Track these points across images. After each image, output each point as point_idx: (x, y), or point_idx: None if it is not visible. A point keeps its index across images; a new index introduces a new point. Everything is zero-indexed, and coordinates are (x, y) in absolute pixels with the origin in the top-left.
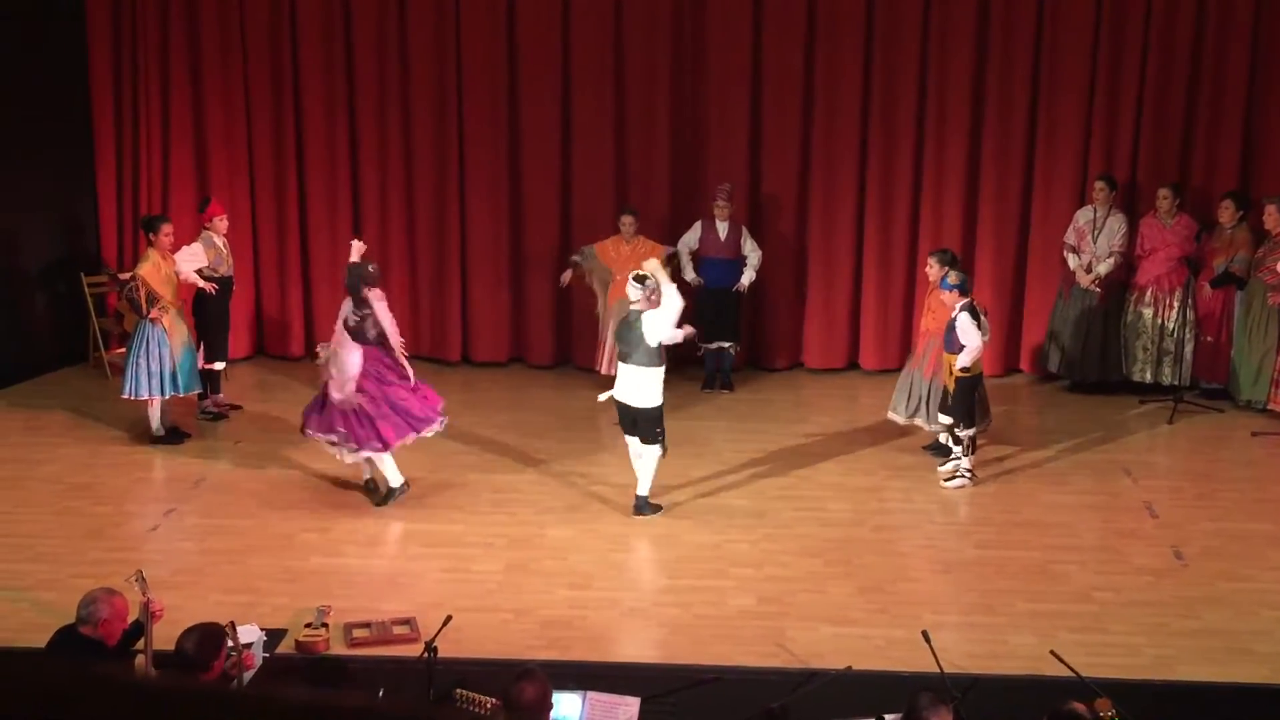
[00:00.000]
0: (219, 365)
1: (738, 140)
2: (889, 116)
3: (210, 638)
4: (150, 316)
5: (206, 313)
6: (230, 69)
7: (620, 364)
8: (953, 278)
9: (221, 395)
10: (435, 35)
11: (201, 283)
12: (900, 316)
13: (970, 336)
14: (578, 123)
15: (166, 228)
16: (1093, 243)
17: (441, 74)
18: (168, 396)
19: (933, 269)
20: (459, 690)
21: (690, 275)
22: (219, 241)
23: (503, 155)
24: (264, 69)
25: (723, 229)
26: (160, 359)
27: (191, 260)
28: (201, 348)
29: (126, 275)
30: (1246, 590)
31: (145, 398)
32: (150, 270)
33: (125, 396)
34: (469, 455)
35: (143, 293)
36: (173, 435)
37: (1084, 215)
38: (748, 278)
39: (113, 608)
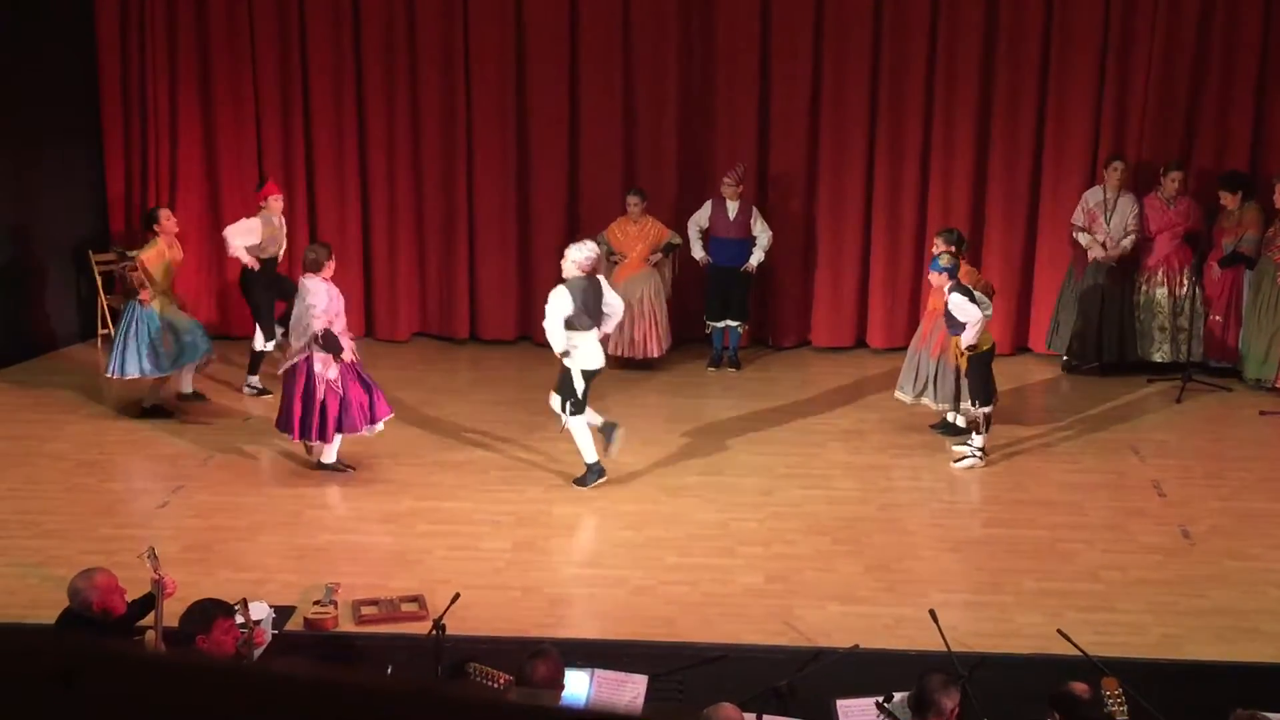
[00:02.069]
0: (266, 345)
1: (746, 119)
2: (897, 96)
3: (198, 614)
4: (140, 299)
5: (253, 292)
6: (237, 49)
7: (593, 332)
8: (944, 260)
9: (257, 377)
10: (443, 15)
11: (246, 258)
12: (908, 295)
13: (967, 312)
14: (585, 101)
15: (164, 213)
16: (1105, 224)
17: (449, 54)
18: (154, 376)
19: (939, 248)
20: (472, 664)
21: (699, 253)
22: (276, 221)
23: (510, 134)
24: (271, 49)
25: (732, 208)
26: (150, 338)
27: (245, 235)
28: (257, 329)
29: (119, 256)
30: (1254, 569)
31: (133, 377)
32: (152, 257)
33: (110, 376)
34: (477, 433)
35: (137, 276)
36: (156, 411)
37: (1094, 196)
38: (756, 258)
39: (96, 589)
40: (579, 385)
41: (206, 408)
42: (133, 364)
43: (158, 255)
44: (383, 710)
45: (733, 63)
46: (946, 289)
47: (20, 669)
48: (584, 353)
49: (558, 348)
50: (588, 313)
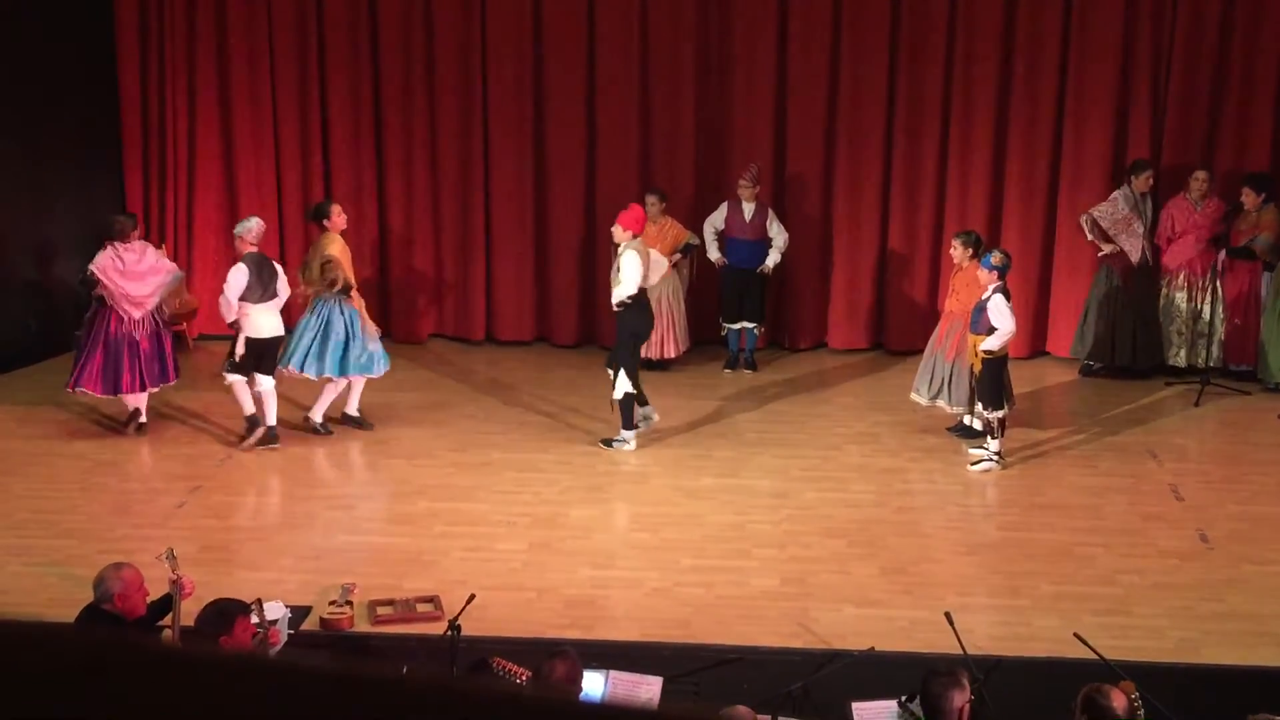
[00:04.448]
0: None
1: (763, 120)
2: (915, 96)
3: (219, 614)
4: (347, 292)
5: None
6: (255, 55)
7: (267, 304)
8: (996, 258)
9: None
10: (460, 17)
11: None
12: (925, 298)
13: (1003, 320)
14: (602, 102)
15: (336, 208)
16: (1142, 226)
17: (466, 56)
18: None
19: (957, 250)
20: (496, 660)
21: (715, 255)
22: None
23: (528, 135)
24: (289, 55)
25: (748, 210)
26: (345, 333)
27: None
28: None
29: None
30: (1272, 574)
31: (305, 375)
32: (339, 252)
33: (308, 375)
34: (493, 434)
35: (331, 271)
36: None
37: (1127, 201)
38: (772, 260)
39: (123, 581)
40: (239, 351)
41: (224, 410)
42: (312, 364)
43: (342, 250)
44: (404, 702)
45: (750, 63)
46: (990, 288)
47: (41, 662)
48: (253, 323)
49: (227, 318)
50: (260, 285)
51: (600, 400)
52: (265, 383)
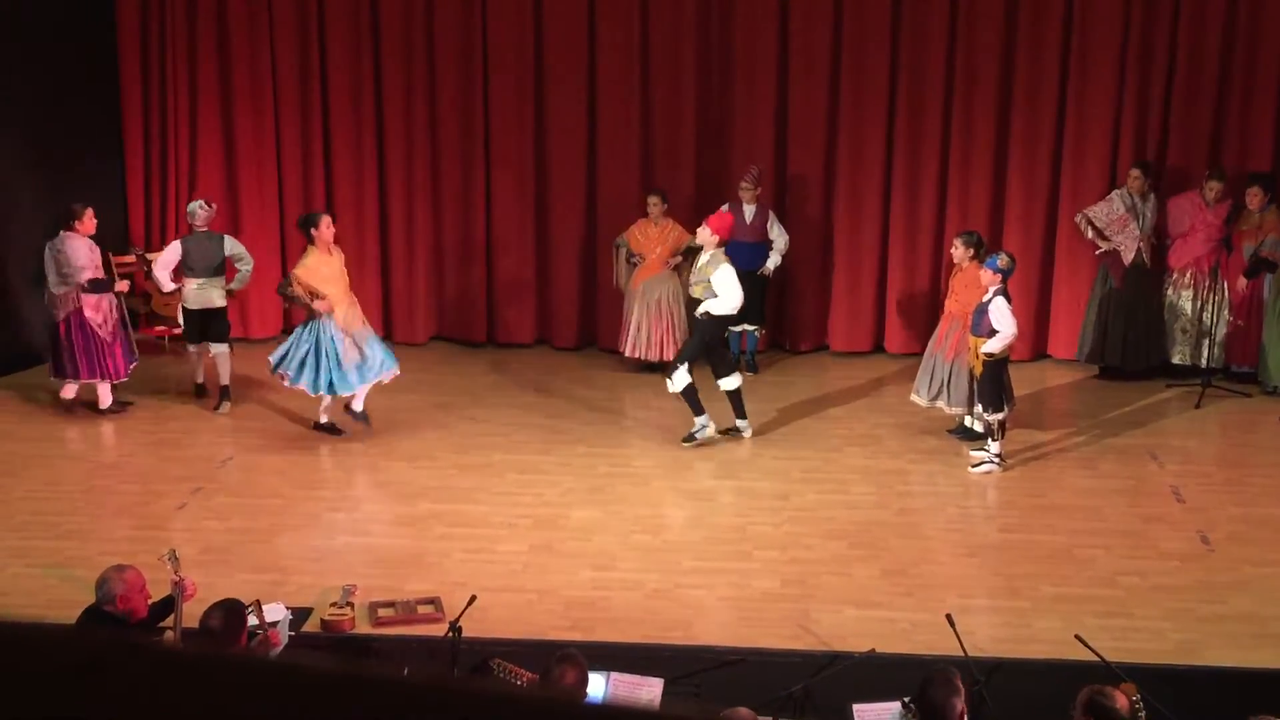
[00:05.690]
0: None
1: (764, 122)
2: (916, 98)
3: (233, 613)
4: (317, 310)
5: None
6: (257, 53)
7: (204, 280)
8: (1002, 260)
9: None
10: (462, 18)
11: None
12: (926, 299)
13: (1004, 323)
14: (603, 103)
15: (325, 220)
16: (1139, 227)
17: (468, 57)
18: (321, 394)
19: (958, 250)
20: (496, 660)
21: None
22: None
23: (529, 136)
24: (290, 53)
25: (749, 211)
26: (329, 355)
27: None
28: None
29: (139, 258)
30: (1273, 575)
31: (299, 388)
32: (309, 269)
33: (277, 372)
34: (494, 436)
35: (299, 291)
36: (330, 428)
37: (1123, 201)
38: (773, 261)
39: (125, 582)
40: (181, 320)
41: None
42: (307, 378)
43: (315, 265)
44: (405, 703)
45: (750, 64)
46: (992, 290)
47: (42, 663)
48: (185, 294)
49: (162, 288)
50: (195, 261)
51: (600, 401)
52: (215, 348)
